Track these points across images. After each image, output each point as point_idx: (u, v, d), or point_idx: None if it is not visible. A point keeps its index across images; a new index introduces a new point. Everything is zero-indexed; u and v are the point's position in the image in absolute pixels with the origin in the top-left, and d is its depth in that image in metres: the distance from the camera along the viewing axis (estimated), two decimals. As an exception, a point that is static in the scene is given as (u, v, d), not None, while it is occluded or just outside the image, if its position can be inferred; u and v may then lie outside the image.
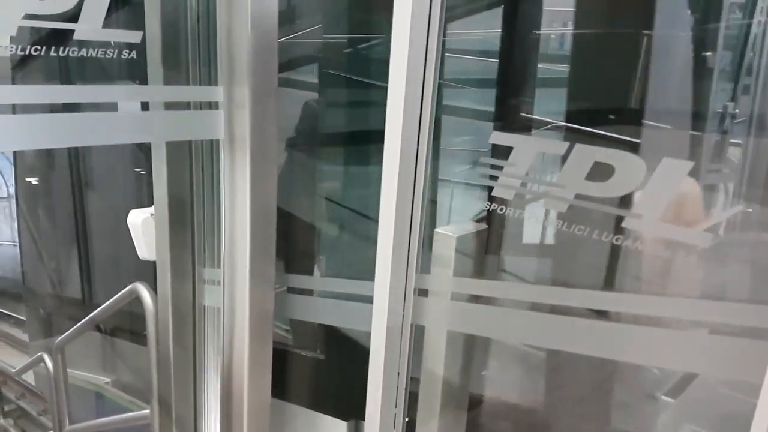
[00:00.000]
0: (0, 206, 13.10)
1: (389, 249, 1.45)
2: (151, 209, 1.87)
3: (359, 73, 2.07)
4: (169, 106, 1.59)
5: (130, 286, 2.03)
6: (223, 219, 1.68)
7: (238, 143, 1.58)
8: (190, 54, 1.64)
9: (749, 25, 1.71)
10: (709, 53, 1.73)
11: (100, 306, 2.25)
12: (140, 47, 1.46)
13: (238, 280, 1.68)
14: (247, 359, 1.72)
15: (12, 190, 12.62)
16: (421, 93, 1.39)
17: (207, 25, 1.61)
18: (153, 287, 1.89)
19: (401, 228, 1.46)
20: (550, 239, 1.73)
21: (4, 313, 9.50)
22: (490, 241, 1.66)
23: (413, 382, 1.63)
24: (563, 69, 1.84)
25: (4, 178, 12.67)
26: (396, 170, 1.40)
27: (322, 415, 2.10)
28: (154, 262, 1.91)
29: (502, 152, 1.37)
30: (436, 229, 1.58)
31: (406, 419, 1.65)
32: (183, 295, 1.88)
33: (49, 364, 3.03)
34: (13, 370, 4.06)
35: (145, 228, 1.92)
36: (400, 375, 1.58)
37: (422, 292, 1.56)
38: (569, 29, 1.76)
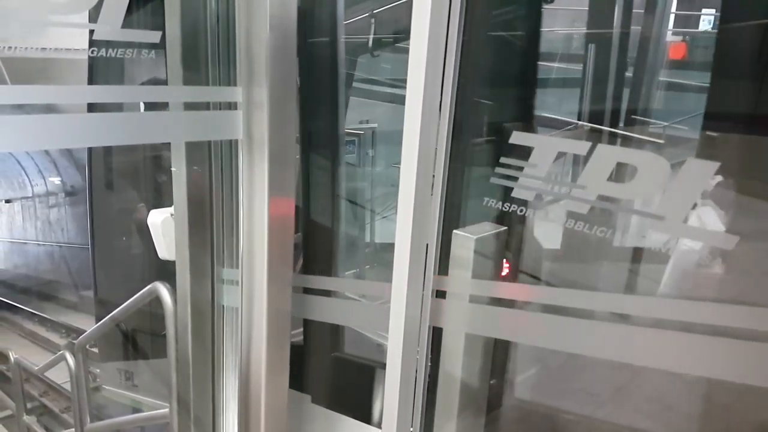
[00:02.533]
0: (25, 205, 13.37)
1: (407, 250, 1.44)
2: (171, 209, 1.88)
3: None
4: (189, 106, 1.60)
5: (149, 286, 2.05)
6: (242, 219, 1.68)
7: (256, 144, 1.58)
8: (210, 54, 1.65)
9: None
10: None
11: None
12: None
13: (256, 280, 1.68)
14: (264, 359, 1.72)
15: (37, 189, 12.84)
16: (440, 92, 1.38)
17: (226, 26, 1.61)
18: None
19: (419, 229, 1.44)
20: (570, 241, 1.70)
21: (30, 311, 9.68)
22: (509, 242, 1.64)
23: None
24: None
25: (29, 178, 12.92)
26: (414, 171, 1.38)
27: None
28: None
29: (522, 153, 1.35)
30: (454, 231, 1.57)
31: (424, 421, 1.64)
32: (202, 295, 1.88)
33: (71, 362, 3.07)
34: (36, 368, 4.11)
35: (165, 228, 1.93)
36: (417, 377, 1.57)
37: (440, 294, 1.54)
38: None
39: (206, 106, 1.61)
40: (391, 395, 1.55)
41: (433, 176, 1.44)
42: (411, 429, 1.61)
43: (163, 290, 1.96)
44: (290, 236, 1.70)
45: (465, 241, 1.55)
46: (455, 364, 1.64)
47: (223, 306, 1.90)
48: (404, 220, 1.43)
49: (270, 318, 1.70)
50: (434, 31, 1.32)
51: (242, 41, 1.54)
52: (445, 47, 1.35)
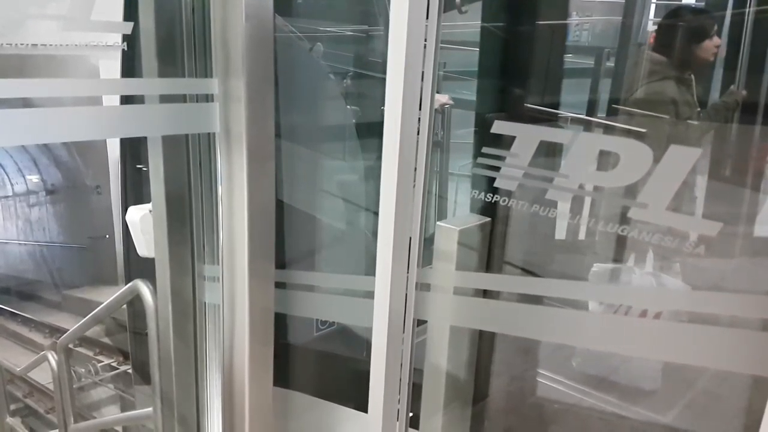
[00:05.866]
0: (5, 204, 13.17)
1: (390, 243, 1.42)
2: (150, 205, 1.85)
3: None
4: (165, 99, 1.56)
5: (130, 284, 2.02)
6: (221, 215, 1.65)
7: (234, 137, 1.55)
8: (185, 45, 1.61)
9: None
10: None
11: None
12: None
13: (238, 276, 1.66)
14: (247, 356, 1.70)
15: (17, 188, 12.64)
16: (421, 83, 1.36)
17: (202, 16, 1.57)
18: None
19: (402, 221, 1.43)
20: (554, 231, 1.69)
21: (12, 311, 9.54)
22: (493, 233, 1.63)
23: (417, 374, 1.60)
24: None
25: (8, 176, 12.72)
26: (396, 162, 1.36)
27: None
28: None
29: (504, 142, 1.34)
30: (438, 222, 1.56)
31: (410, 414, 1.63)
32: (183, 293, 1.85)
33: (53, 362, 3.03)
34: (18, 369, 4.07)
35: (143, 225, 1.90)
36: (402, 371, 1.56)
37: (424, 287, 1.53)
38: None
39: (182, 98, 1.58)
40: (376, 390, 1.53)
41: (415, 168, 1.42)
42: (397, 423, 1.60)
43: (144, 288, 1.94)
44: (271, 231, 1.67)
45: (449, 232, 1.53)
46: (440, 356, 1.63)
47: (205, 303, 1.87)
48: (387, 213, 1.41)
49: (252, 314, 1.67)
50: (413, 21, 1.30)
51: (218, 31, 1.51)
52: (424, 34, 1.33)
